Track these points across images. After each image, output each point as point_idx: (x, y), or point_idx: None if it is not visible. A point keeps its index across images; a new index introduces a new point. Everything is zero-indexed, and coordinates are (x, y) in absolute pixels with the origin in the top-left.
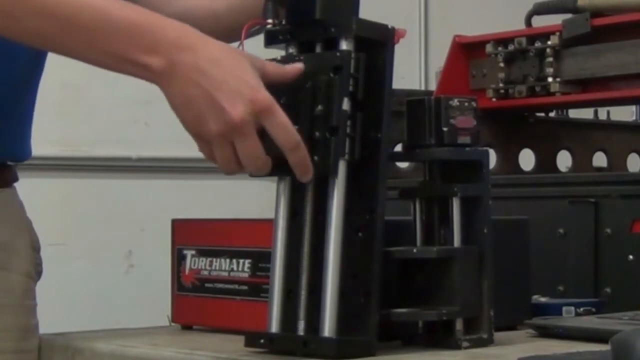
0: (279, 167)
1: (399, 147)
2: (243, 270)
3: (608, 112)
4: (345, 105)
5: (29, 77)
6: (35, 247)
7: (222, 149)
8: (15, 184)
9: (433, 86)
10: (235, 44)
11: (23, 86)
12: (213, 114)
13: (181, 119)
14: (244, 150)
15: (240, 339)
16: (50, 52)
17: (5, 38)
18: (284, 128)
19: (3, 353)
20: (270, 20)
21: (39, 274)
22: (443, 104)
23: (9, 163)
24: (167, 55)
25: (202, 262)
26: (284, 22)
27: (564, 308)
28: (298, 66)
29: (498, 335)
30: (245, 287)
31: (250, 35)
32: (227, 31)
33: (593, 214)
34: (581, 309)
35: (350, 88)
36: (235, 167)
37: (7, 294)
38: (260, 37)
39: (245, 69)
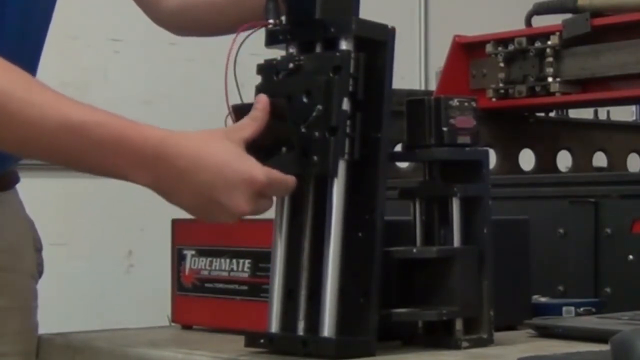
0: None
1: (399, 147)
2: (243, 270)
3: (608, 112)
4: (345, 105)
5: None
6: (37, 247)
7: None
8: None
9: (433, 86)
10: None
11: None
12: (220, 213)
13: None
14: (260, 211)
15: (240, 339)
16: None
17: None
18: (283, 189)
19: (12, 355)
20: (271, 21)
21: (40, 273)
22: (443, 104)
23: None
24: (151, 169)
25: (202, 262)
26: (284, 22)
27: (564, 308)
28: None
29: (498, 335)
30: (245, 287)
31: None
32: (232, 23)
33: (593, 214)
34: (581, 309)
35: (350, 88)
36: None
37: (17, 297)
38: (262, 38)
39: (226, 158)
